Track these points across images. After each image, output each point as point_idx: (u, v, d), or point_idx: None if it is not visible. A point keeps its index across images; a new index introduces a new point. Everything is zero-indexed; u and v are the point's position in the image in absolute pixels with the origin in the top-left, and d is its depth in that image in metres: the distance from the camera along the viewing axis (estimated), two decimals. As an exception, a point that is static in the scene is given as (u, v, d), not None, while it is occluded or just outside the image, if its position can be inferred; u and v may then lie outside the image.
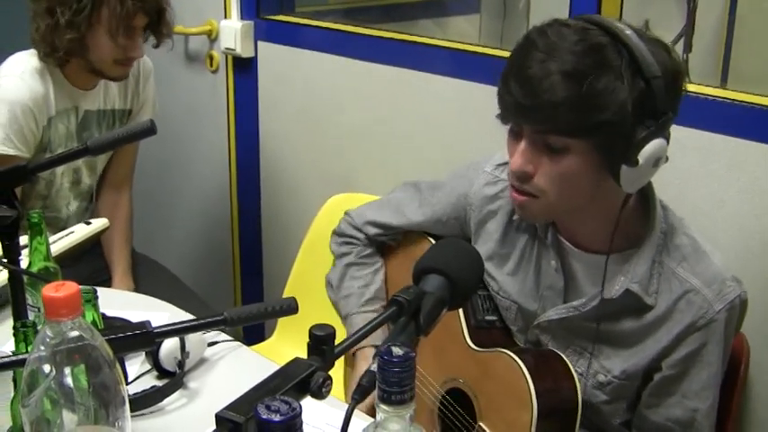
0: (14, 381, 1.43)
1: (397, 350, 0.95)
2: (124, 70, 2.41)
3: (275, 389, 0.92)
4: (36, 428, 1.03)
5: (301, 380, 0.96)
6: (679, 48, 2.76)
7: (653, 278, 1.57)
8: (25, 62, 2.35)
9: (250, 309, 1.25)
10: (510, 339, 1.76)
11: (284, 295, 2.49)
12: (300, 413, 0.79)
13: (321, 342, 1.00)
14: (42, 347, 0.98)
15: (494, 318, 1.78)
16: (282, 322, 2.63)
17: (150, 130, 1.38)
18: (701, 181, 1.96)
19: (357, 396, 1.02)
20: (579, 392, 1.59)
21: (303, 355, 2.35)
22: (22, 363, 1.02)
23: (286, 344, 2.47)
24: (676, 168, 1.92)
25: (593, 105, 1.42)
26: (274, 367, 1.75)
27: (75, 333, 0.98)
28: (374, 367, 1.03)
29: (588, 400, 1.63)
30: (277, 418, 0.78)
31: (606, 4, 2.08)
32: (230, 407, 0.89)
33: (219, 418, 0.88)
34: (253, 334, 2.87)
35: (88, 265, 2.52)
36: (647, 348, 1.60)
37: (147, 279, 2.67)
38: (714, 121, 1.93)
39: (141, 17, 2.32)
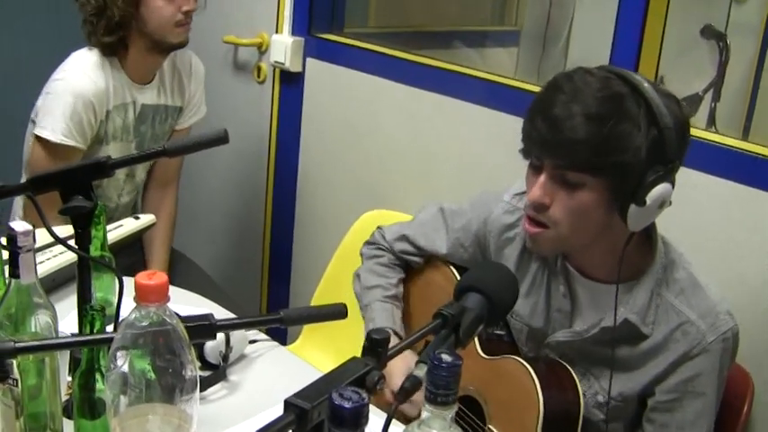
0: (70, 361, 1.55)
1: (446, 357, 1.06)
2: (185, 32, 2.50)
3: (336, 382, 1.02)
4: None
5: (359, 376, 1.06)
6: (708, 97, 2.87)
7: (651, 309, 1.68)
8: (88, 57, 2.47)
9: (303, 310, 1.36)
10: (516, 351, 1.87)
11: (312, 304, 2.59)
12: (368, 403, 0.90)
13: (377, 345, 1.11)
14: (130, 327, 1.09)
15: (502, 332, 1.89)
16: (307, 329, 2.73)
17: (223, 138, 1.49)
18: (719, 224, 2.06)
19: (400, 397, 1.13)
20: (582, 400, 1.70)
21: (326, 357, 2.45)
22: (109, 341, 1.13)
23: (311, 348, 2.56)
24: (699, 212, 2.03)
25: (611, 147, 1.53)
26: (308, 367, 1.89)
27: (160, 316, 1.10)
28: (415, 372, 1.14)
29: (588, 418, 1.73)
30: (348, 404, 0.89)
31: (646, 51, 2.19)
32: (298, 394, 0.99)
33: (288, 404, 0.98)
34: (276, 338, 2.97)
35: (126, 258, 2.60)
36: (644, 374, 1.70)
37: (181, 276, 2.77)
38: (735, 171, 2.03)
39: None
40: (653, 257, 1.69)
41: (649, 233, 1.71)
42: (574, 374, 1.73)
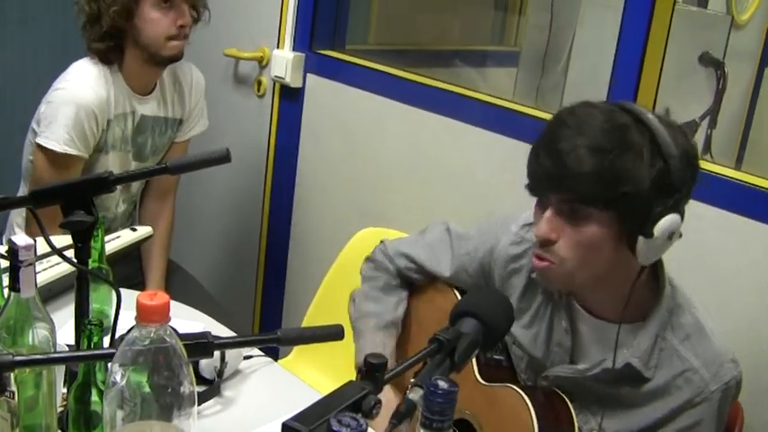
0: (66, 373, 1.55)
1: (442, 383, 1.07)
2: (178, 47, 2.52)
3: (333, 406, 1.04)
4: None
5: (355, 401, 1.07)
6: (705, 123, 2.89)
7: (654, 353, 1.66)
8: (90, 67, 2.49)
9: (300, 331, 1.38)
10: (514, 377, 1.87)
11: (305, 319, 2.59)
12: (366, 429, 0.92)
13: (375, 369, 1.12)
14: (131, 345, 1.11)
15: (501, 357, 1.89)
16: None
17: (226, 157, 1.50)
18: (716, 254, 2.07)
19: (395, 420, 1.14)
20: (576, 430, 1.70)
21: (318, 373, 2.45)
22: (108, 357, 1.14)
23: (303, 364, 2.57)
24: (696, 241, 2.04)
25: (615, 178, 1.52)
26: (300, 383, 1.89)
27: (160, 336, 1.11)
28: (411, 395, 1.16)
29: None
30: (347, 431, 0.91)
31: (646, 75, 2.20)
32: (296, 418, 1.00)
33: (286, 427, 0.99)
34: (268, 353, 2.98)
35: (123, 267, 2.61)
36: (643, 416, 1.69)
37: (177, 288, 2.79)
38: (730, 200, 2.05)
39: None
40: (659, 300, 1.68)
41: (657, 274, 1.70)
42: (570, 407, 1.73)
